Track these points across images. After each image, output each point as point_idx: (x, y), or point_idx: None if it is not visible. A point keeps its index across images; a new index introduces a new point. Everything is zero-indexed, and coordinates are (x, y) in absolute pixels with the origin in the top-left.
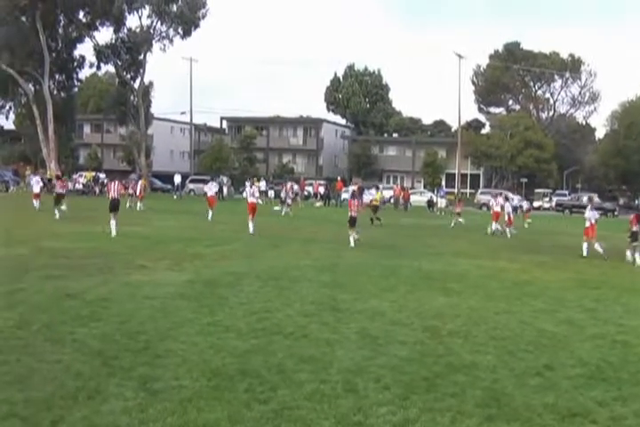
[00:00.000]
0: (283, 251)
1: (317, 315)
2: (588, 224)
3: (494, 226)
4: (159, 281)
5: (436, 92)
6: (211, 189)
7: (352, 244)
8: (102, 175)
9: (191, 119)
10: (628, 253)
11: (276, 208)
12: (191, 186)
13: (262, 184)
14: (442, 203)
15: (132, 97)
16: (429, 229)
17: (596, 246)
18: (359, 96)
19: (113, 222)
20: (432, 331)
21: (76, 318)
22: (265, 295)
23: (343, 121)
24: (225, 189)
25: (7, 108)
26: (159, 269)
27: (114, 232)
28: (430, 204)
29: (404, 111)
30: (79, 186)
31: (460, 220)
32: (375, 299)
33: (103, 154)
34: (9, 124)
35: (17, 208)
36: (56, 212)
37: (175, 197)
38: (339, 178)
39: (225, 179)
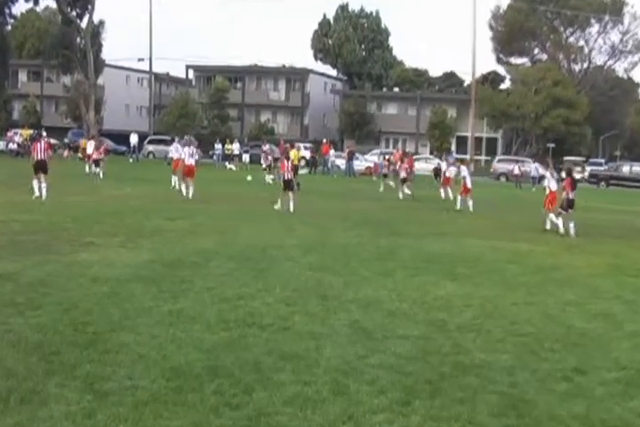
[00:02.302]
0: (260, 227)
1: (301, 303)
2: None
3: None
4: (110, 261)
5: (445, 38)
6: (178, 150)
7: (278, 206)
8: (43, 133)
9: (150, 67)
10: (560, 222)
11: (249, 178)
12: (150, 148)
13: (235, 147)
14: (451, 172)
15: (78, 39)
16: (435, 202)
17: (552, 218)
18: (353, 42)
19: (37, 185)
20: (438, 324)
21: (9, 305)
22: (238, 279)
23: (334, 72)
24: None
25: None
26: (110, 246)
27: (37, 194)
28: (437, 172)
29: (406, 61)
30: (13, 145)
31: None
32: (370, 285)
33: (43, 107)
34: None
35: None
36: None
37: (131, 160)
38: (324, 140)
39: (192, 138)
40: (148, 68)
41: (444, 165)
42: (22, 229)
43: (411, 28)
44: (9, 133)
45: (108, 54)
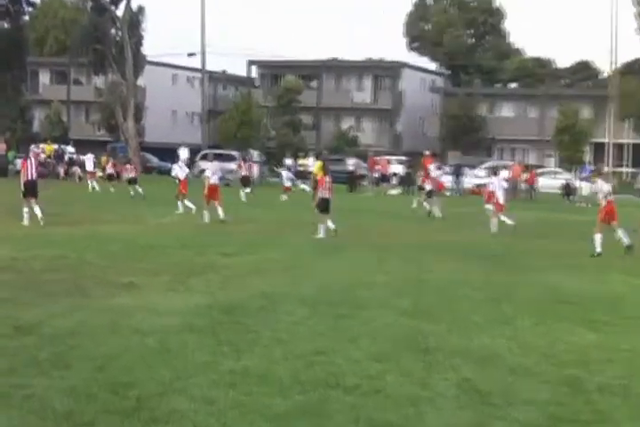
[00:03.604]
0: (341, 261)
1: (395, 359)
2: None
3: None
4: (155, 307)
5: (576, 18)
6: (183, 168)
7: (322, 234)
8: (70, 149)
9: (203, 64)
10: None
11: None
12: (203, 165)
13: (311, 162)
14: (585, 189)
15: (113, 30)
16: (565, 227)
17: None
18: (458, 27)
19: (28, 212)
20: (572, 384)
21: (31, 363)
22: (315, 329)
23: (433, 65)
24: (255, 170)
25: None
26: (155, 288)
27: (27, 223)
28: (568, 190)
29: (526, 49)
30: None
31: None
32: (483, 334)
33: (70, 116)
34: None
35: None
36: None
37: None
38: (426, 152)
39: (255, 154)
40: (200, 65)
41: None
42: (45, 267)
43: (531, 7)
44: (34, 150)
45: (149, 49)
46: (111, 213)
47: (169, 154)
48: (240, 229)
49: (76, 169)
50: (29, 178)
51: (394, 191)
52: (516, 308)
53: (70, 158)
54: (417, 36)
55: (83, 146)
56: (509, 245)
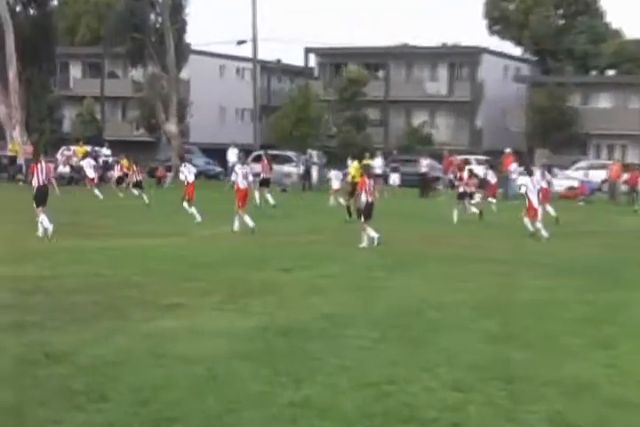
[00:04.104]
0: (411, 277)
1: (478, 388)
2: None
3: None
4: (204, 330)
5: None
6: (191, 171)
7: (364, 244)
8: (105, 151)
9: (255, 53)
10: None
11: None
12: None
13: (378, 163)
14: None
15: (152, 16)
16: None
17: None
18: (547, 7)
19: (43, 217)
20: None
21: (64, 395)
22: (386, 354)
23: (517, 51)
24: (314, 172)
25: None
26: (204, 309)
27: (41, 231)
28: None
29: (626, 31)
30: (65, 169)
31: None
32: (577, 361)
33: (104, 114)
34: None
35: None
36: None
37: (228, 186)
38: (507, 150)
39: (314, 154)
40: (251, 55)
41: None
42: (78, 287)
43: None
44: (65, 152)
45: (193, 37)
46: (149, 223)
47: (216, 155)
48: (293, 240)
49: (112, 174)
50: (39, 184)
51: (442, 197)
52: (617, 331)
53: (105, 162)
54: (499, 17)
55: (119, 147)
56: (610, 257)
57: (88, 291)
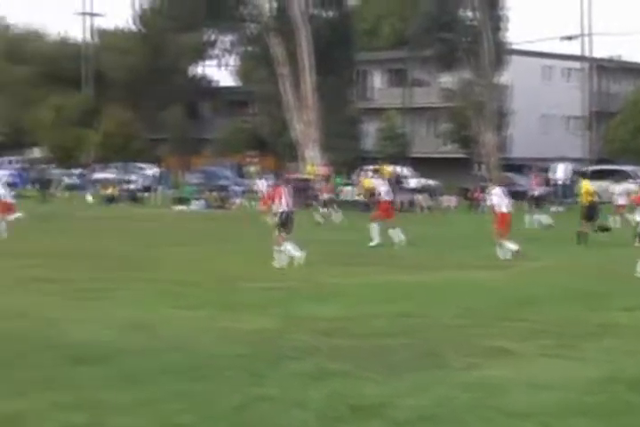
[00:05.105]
0: None
1: None
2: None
3: None
4: (534, 380)
5: None
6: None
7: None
8: (406, 171)
9: (588, 50)
10: None
11: None
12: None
13: None
14: None
15: (465, 12)
16: None
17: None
18: None
19: (279, 248)
20: None
21: None
22: None
23: None
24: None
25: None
26: (533, 355)
27: (278, 263)
28: None
29: None
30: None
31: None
32: None
33: (409, 127)
34: (226, 79)
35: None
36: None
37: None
38: None
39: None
40: (581, 52)
41: None
42: (386, 330)
43: None
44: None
45: (513, 35)
46: (456, 253)
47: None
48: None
49: (418, 197)
50: (284, 208)
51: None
52: None
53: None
54: None
55: (424, 165)
56: None
57: (397, 333)
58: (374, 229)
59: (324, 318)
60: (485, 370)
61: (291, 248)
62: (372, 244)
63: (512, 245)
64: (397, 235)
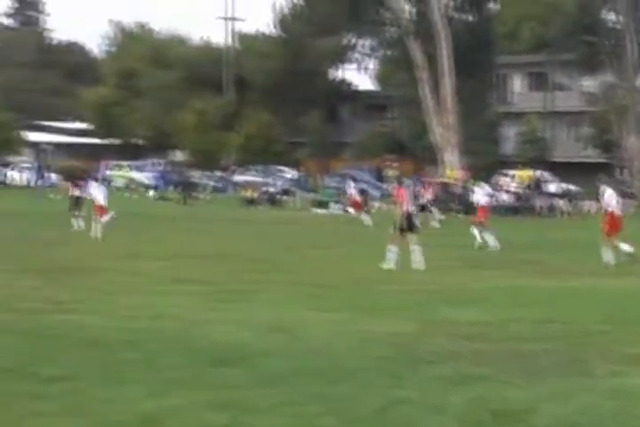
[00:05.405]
0: None
1: None
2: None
3: None
4: None
5: None
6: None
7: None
8: (547, 175)
9: None
10: None
11: None
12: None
13: None
14: None
15: (608, 14)
16: None
17: None
18: None
19: (394, 249)
20: None
21: None
22: None
23: None
24: None
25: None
26: None
27: (389, 265)
28: None
29: None
30: (508, 198)
31: None
32: None
33: (549, 131)
34: (365, 82)
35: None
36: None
37: None
38: None
39: None
40: None
41: None
42: (529, 335)
43: None
44: (505, 179)
45: None
46: (593, 259)
47: None
48: None
49: (558, 202)
50: (405, 209)
51: None
52: None
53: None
54: None
55: (566, 169)
56: None
57: (539, 339)
58: (475, 233)
59: (463, 321)
60: (629, 378)
61: (394, 253)
62: (489, 248)
63: (627, 248)
64: (492, 239)
